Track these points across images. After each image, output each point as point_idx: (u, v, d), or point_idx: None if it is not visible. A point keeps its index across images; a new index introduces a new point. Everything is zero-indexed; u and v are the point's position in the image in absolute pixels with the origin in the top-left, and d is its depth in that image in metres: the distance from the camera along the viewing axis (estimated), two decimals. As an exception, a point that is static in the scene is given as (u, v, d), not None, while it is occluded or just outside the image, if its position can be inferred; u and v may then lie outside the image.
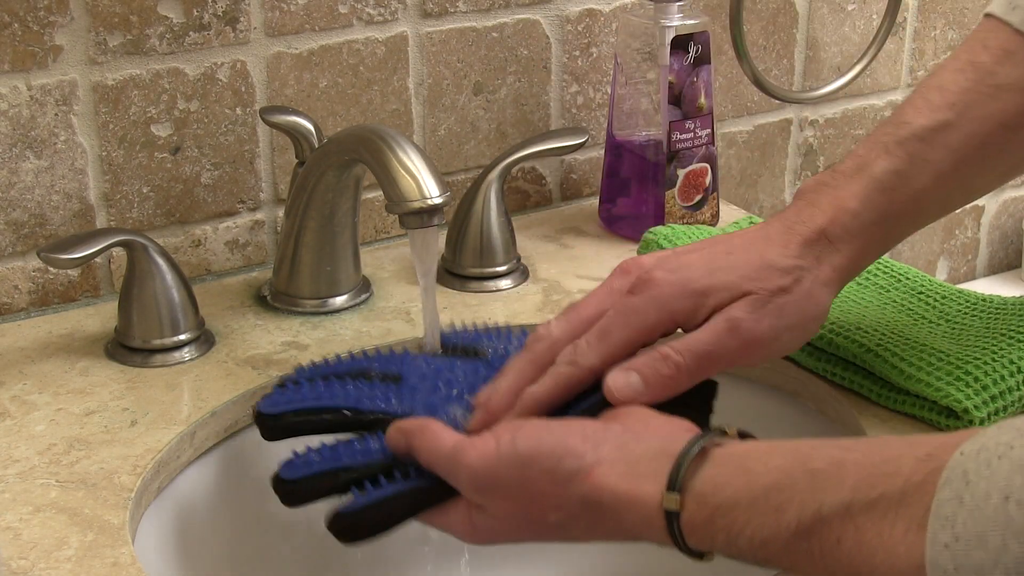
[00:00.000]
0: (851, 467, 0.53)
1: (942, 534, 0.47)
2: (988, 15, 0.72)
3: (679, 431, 0.62)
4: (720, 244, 0.71)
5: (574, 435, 0.62)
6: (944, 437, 0.51)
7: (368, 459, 0.68)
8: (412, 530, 0.89)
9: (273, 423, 0.73)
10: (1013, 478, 0.45)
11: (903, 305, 0.87)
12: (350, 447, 0.69)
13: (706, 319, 0.68)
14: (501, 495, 0.63)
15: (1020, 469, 0.45)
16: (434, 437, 0.66)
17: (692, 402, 0.69)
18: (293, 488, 0.69)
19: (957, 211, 1.35)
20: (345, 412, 0.71)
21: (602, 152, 1.11)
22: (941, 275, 1.37)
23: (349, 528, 0.67)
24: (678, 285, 0.68)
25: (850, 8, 1.21)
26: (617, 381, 0.67)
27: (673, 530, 0.58)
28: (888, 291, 0.89)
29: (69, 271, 0.93)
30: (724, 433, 0.60)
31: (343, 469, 0.68)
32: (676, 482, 0.58)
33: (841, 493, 0.52)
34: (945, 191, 0.71)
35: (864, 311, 0.86)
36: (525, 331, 0.77)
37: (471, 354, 0.77)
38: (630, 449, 0.61)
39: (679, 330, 0.70)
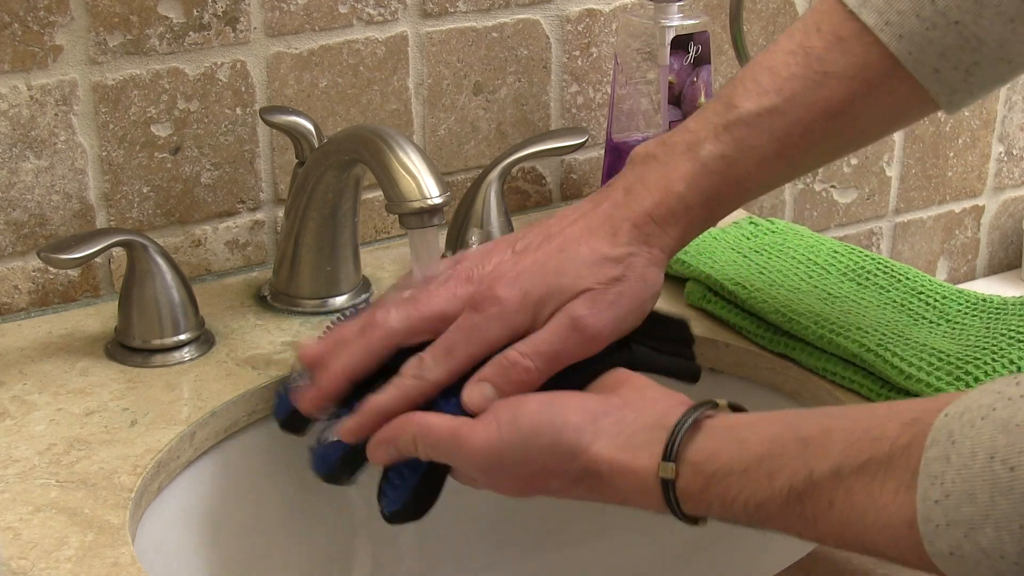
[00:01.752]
0: (839, 433, 0.55)
1: (932, 491, 0.49)
2: None
3: (674, 404, 0.64)
4: (552, 242, 0.73)
5: (574, 410, 0.65)
6: (927, 402, 0.53)
7: None
8: (412, 531, 0.89)
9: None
10: (996, 438, 0.47)
11: (903, 305, 0.87)
12: None
13: (547, 320, 0.71)
14: (507, 474, 0.66)
15: (1003, 429, 0.47)
16: (427, 427, 0.68)
17: (672, 337, 0.75)
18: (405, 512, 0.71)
19: (956, 211, 1.35)
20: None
21: (602, 152, 1.11)
22: (941, 275, 1.37)
23: (404, 519, 0.71)
24: (518, 300, 0.71)
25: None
26: (473, 396, 0.69)
27: (669, 498, 0.61)
28: (888, 291, 0.89)
29: (69, 271, 0.93)
30: (716, 405, 0.63)
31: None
32: (671, 452, 0.61)
33: (831, 458, 0.54)
34: (768, 174, 0.74)
35: (864, 311, 0.86)
36: None
37: None
38: (627, 422, 0.64)
39: None
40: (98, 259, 0.93)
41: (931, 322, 0.85)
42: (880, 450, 0.52)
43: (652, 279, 0.72)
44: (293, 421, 0.76)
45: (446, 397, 0.71)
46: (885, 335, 0.82)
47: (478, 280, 0.73)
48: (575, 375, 0.71)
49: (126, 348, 0.86)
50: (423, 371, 0.71)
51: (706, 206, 0.73)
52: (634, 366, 0.72)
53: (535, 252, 0.73)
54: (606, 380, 0.70)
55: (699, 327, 0.90)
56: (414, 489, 0.69)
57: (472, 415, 0.68)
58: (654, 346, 0.75)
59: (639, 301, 0.72)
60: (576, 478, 0.64)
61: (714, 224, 0.75)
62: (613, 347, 0.72)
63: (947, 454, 0.48)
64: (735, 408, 0.64)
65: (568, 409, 0.65)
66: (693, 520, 0.61)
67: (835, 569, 0.65)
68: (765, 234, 0.98)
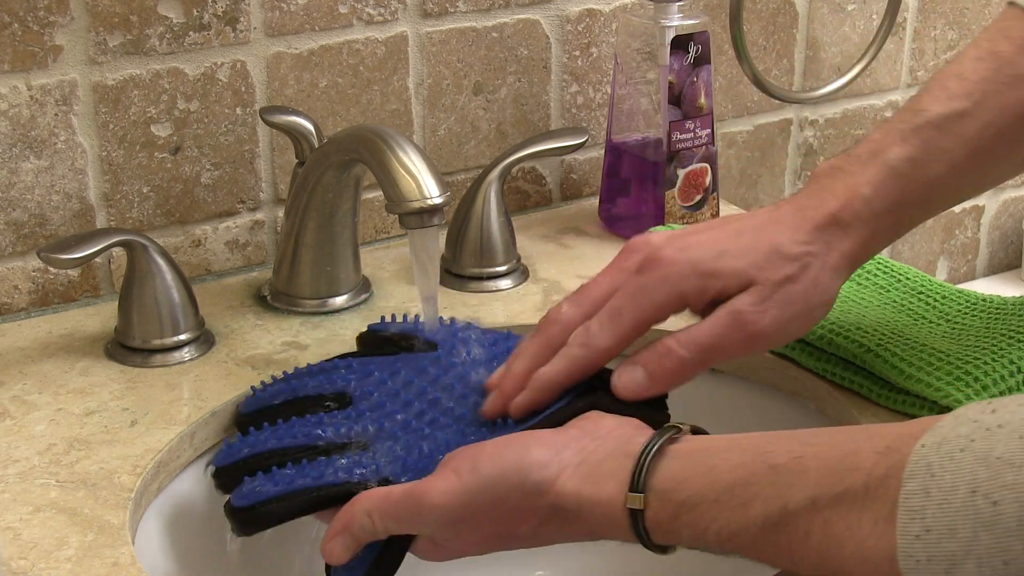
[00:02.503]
0: (812, 461, 0.54)
1: (912, 526, 0.48)
2: (1011, 3, 0.72)
3: (634, 430, 0.63)
4: (731, 225, 0.71)
5: (535, 446, 0.63)
6: (900, 427, 0.52)
7: (322, 481, 0.69)
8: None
9: (245, 516, 0.70)
10: (977, 471, 0.46)
11: (903, 305, 0.87)
12: (304, 471, 0.70)
13: (712, 301, 0.69)
14: (473, 524, 0.63)
15: (983, 462, 0.46)
16: (381, 497, 0.65)
17: (650, 401, 0.70)
18: (247, 515, 0.69)
19: (957, 211, 1.35)
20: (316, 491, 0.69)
21: (602, 152, 1.11)
22: (941, 275, 1.37)
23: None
24: (687, 264, 0.69)
25: (850, 8, 1.21)
26: (623, 378, 0.68)
27: (638, 528, 0.59)
28: (888, 291, 0.89)
29: (69, 271, 0.93)
30: (679, 430, 0.61)
31: (297, 492, 0.69)
32: (638, 482, 0.59)
33: (805, 489, 0.53)
34: (958, 180, 0.71)
35: (864, 311, 0.86)
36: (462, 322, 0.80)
37: (402, 346, 0.79)
38: (589, 451, 0.62)
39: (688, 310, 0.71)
40: (98, 259, 0.93)
41: (931, 322, 0.85)
42: (856, 481, 0.51)
43: (826, 287, 0.69)
44: (231, 471, 0.72)
45: (493, 429, 0.69)
46: (885, 335, 0.82)
47: (644, 246, 0.70)
48: (545, 421, 0.69)
49: (126, 348, 0.86)
50: (590, 338, 0.68)
51: (893, 212, 0.69)
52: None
53: (710, 231, 0.71)
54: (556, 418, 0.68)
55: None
56: (367, 572, 0.66)
57: (623, 401, 0.67)
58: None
59: (807, 307, 0.69)
60: (544, 517, 0.62)
61: (901, 234, 0.72)
62: (580, 390, 0.69)
63: (926, 487, 0.48)
64: (696, 432, 0.62)
65: (529, 447, 0.62)
66: (662, 549, 0.60)
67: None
68: None
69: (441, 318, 0.80)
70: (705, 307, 0.70)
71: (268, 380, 0.79)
